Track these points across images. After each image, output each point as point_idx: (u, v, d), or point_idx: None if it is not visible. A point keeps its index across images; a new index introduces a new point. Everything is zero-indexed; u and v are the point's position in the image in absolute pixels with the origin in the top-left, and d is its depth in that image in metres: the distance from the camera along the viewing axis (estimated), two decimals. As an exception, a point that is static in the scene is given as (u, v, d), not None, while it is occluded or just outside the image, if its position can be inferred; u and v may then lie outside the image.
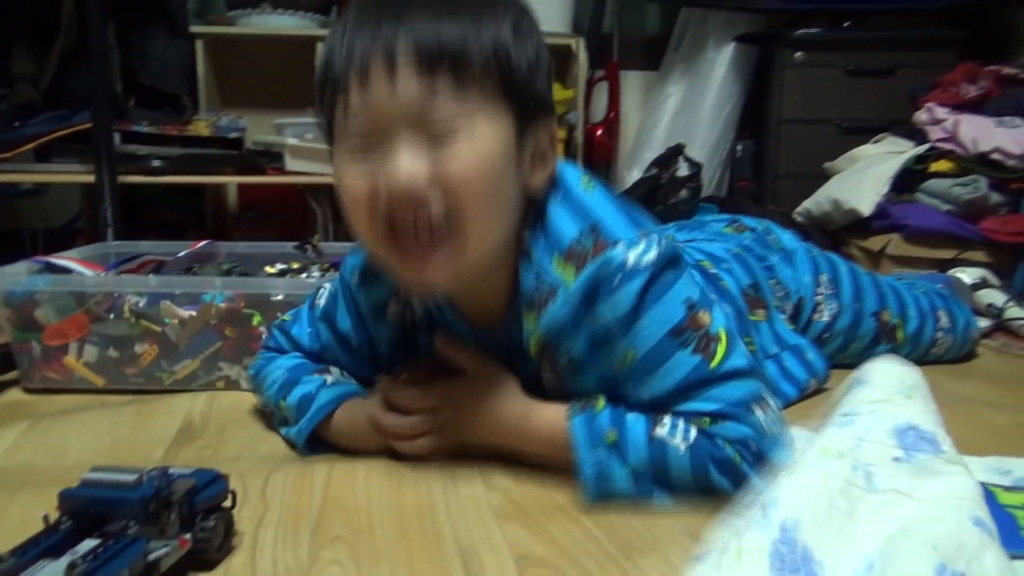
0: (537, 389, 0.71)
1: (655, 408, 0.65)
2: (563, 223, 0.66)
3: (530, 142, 0.64)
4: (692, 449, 0.62)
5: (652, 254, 0.63)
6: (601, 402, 0.67)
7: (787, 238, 1.04)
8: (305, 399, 0.75)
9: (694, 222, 1.11)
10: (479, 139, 0.60)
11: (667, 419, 0.64)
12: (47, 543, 0.48)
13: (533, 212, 0.67)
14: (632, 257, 0.63)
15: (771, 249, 1.00)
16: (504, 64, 0.61)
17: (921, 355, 1.08)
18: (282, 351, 0.83)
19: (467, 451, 0.72)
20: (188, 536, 0.52)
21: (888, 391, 0.61)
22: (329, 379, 0.78)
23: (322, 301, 0.82)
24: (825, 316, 1.01)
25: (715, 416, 0.63)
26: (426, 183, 0.59)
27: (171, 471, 0.54)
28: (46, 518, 0.51)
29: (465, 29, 0.59)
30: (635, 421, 0.64)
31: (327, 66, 0.62)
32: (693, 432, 0.63)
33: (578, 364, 0.69)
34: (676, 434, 0.63)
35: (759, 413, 0.63)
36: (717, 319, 0.66)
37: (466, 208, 0.60)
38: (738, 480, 0.62)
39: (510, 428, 0.69)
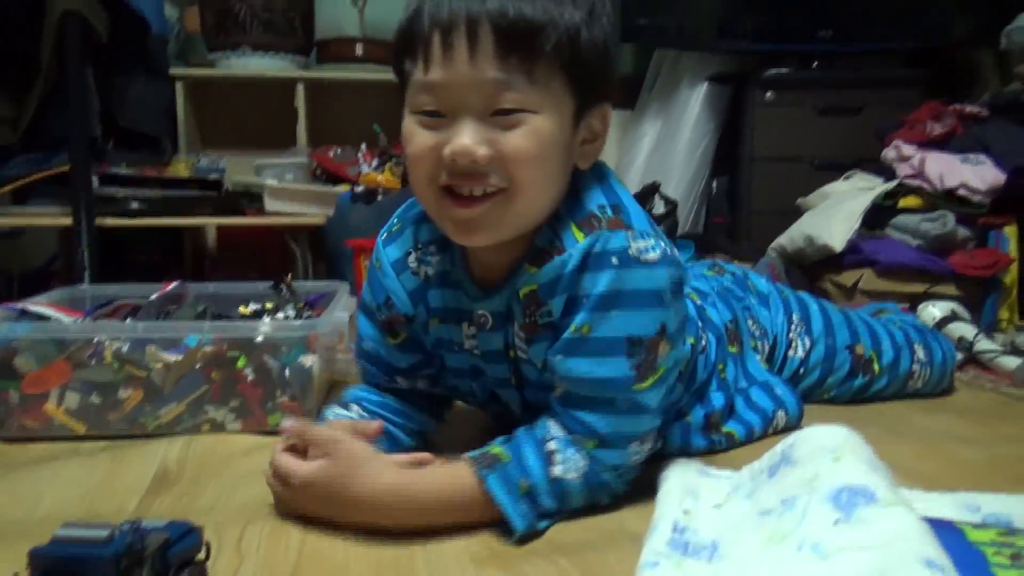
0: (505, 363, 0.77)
1: (564, 395, 0.70)
2: (592, 195, 0.71)
3: (586, 124, 0.69)
4: (584, 478, 0.69)
5: (654, 255, 0.67)
6: (498, 450, 0.69)
7: (761, 283, 1.09)
8: None
9: None
10: (540, 124, 0.64)
11: (559, 452, 0.68)
12: None
13: (572, 186, 0.71)
14: (635, 247, 0.67)
15: (749, 292, 1.05)
16: (576, 48, 0.64)
17: (899, 388, 1.11)
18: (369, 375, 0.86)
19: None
20: None
21: (817, 464, 0.64)
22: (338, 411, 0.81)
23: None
24: (799, 352, 1.04)
25: (602, 441, 0.69)
26: (487, 160, 0.64)
27: (143, 525, 0.53)
28: None
29: (548, 10, 0.62)
30: (534, 461, 0.68)
31: (411, 24, 0.65)
32: (582, 462, 0.68)
33: (550, 325, 0.71)
34: (570, 468, 0.68)
35: (635, 446, 0.71)
36: (669, 357, 0.70)
37: (520, 183, 0.65)
38: (615, 497, 0.72)
39: (391, 501, 0.66)
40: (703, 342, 0.88)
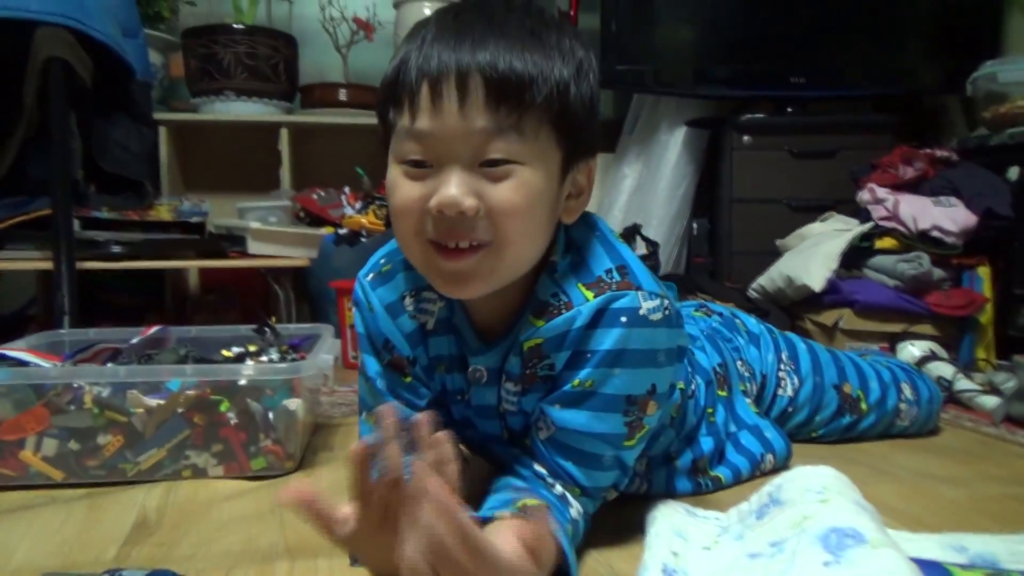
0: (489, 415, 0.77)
1: (551, 440, 0.70)
2: (598, 258, 0.71)
3: (571, 178, 0.69)
4: (584, 522, 0.71)
5: (658, 316, 0.68)
6: (532, 501, 0.66)
7: (751, 323, 1.10)
8: None
9: None
10: (528, 176, 0.64)
11: (568, 496, 0.69)
12: None
13: (567, 239, 0.72)
14: (645, 308, 0.68)
15: (738, 332, 1.06)
16: (564, 103, 0.64)
17: (887, 427, 1.12)
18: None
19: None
20: None
21: (804, 505, 0.65)
22: None
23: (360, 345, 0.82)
24: (788, 391, 1.05)
25: (584, 491, 0.71)
26: (474, 212, 0.63)
27: (123, 574, 0.52)
28: None
29: (538, 64, 0.63)
30: (560, 506, 0.68)
31: (398, 74, 0.65)
32: (581, 508, 0.70)
33: (549, 377, 0.71)
34: (576, 512, 0.70)
35: (603, 496, 0.74)
36: (653, 418, 0.72)
37: (507, 236, 0.65)
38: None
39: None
40: (692, 387, 0.89)
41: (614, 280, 0.69)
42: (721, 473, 0.90)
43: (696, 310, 1.10)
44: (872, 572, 0.55)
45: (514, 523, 0.58)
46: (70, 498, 0.89)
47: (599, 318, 0.67)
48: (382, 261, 0.80)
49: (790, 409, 1.06)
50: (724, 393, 0.95)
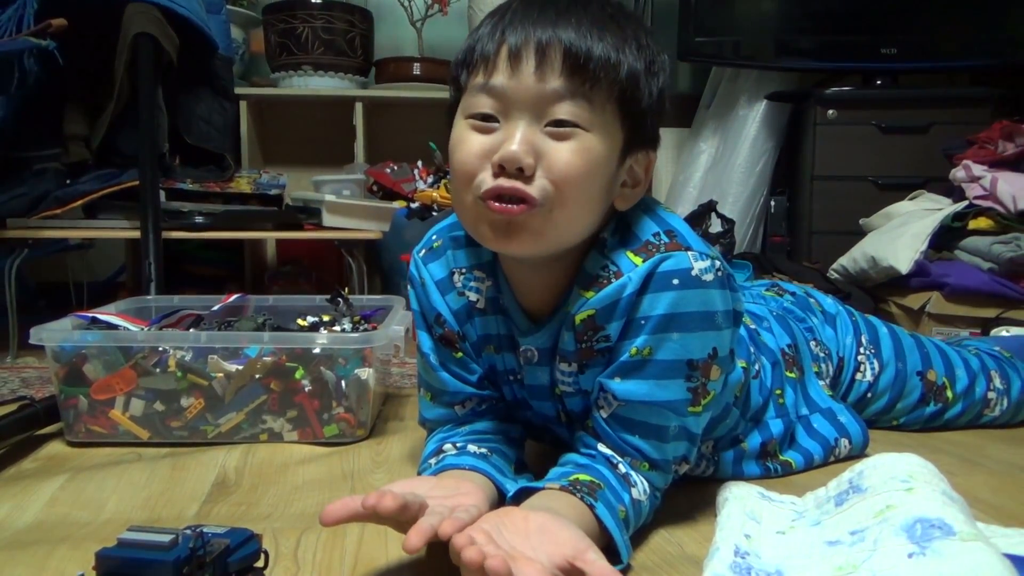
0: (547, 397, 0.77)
1: (614, 417, 0.69)
2: (644, 225, 0.71)
3: (629, 165, 0.69)
4: (649, 500, 0.69)
5: (710, 276, 0.67)
6: (586, 477, 0.66)
7: (827, 303, 1.05)
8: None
9: None
10: (590, 143, 0.65)
11: (630, 475, 0.68)
12: None
13: (616, 220, 0.71)
14: (696, 268, 0.66)
15: (812, 311, 1.02)
16: (630, 91, 0.66)
17: (974, 417, 1.06)
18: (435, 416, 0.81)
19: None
20: None
21: (887, 494, 0.63)
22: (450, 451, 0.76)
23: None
24: (868, 376, 1.01)
25: (652, 464, 0.70)
26: (533, 170, 0.64)
27: (206, 531, 0.54)
28: None
29: (612, 50, 0.64)
30: (621, 489, 0.67)
31: (480, 40, 0.67)
32: (647, 487, 0.69)
33: (606, 350, 0.70)
34: (641, 491, 0.68)
35: (675, 467, 0.72)
36: (718, 381, 0.71)
37: (563, 196, 0.64)
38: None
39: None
40: (756, 367, 0.86)
41: (662, 242, 0.68)
42: (791, 458, 0.87)
43: (767, 289, 1.07)
44: (960, 566, 0.52)
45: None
46: (155, 456, 0.93)
47: (649, 282, 0.67)
48: (434, 237, 0.80)
49: (869, 395, 1.01)
50: (794, 375, 0.91)
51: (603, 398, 0.70)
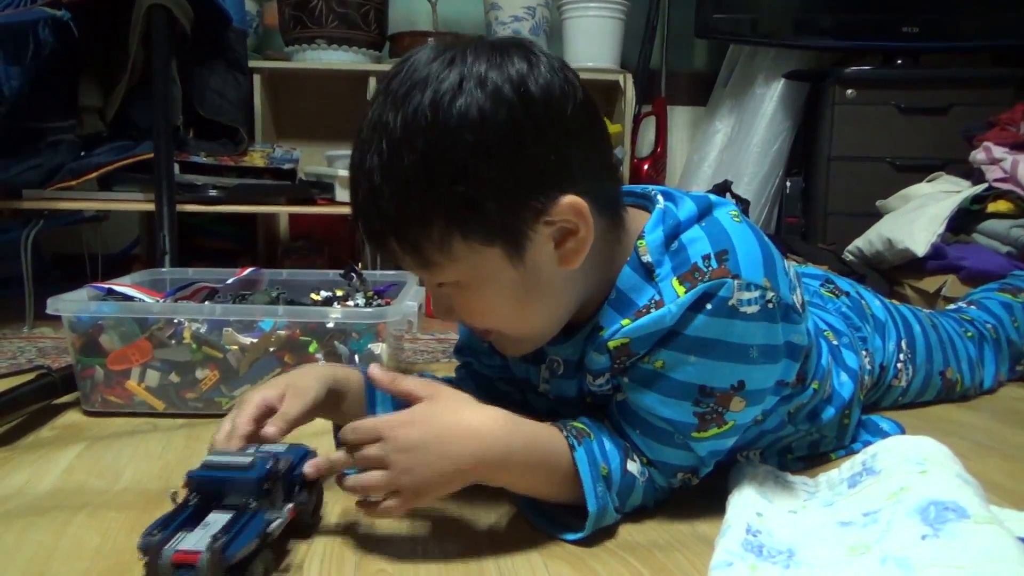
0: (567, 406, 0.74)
1: (623, 404, 0.68)
2: (699, 242, 0.65)
3: (538, 241, 0.61)
4: (646, 484, 0.68)
5: (753, 308, 0.62)
6: (583, 427, 0.66)
7: (876, 305, 1.01)
8: None
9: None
10: (474, 286, 0.63)
11: (631, 451, 0.68)
12: (182, 517, 0.55)
13: (666, 229, 0.66)
14: (736, 299, 0.62)
15: (866, 319, 0.98)
16: (465, 215, 0.58)
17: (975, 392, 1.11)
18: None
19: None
20: (292, 506, 0.59)
21: (902, 476, 0.62)
22: None
23: None
24: (903, 382, 1.01)
25: (651, 462, 0.68)
26: (454, 321, 0.68)
27: (276, 451, 0.60)
28: (174, 496, 0.57)
29: (422, 202, 0.58)
30: (613, 452, 0.66)
31: None
32: (646, 471, 0.68)
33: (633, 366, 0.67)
34: (637, 469, 0.67)
35: (681, 476, 0.69)
36: (744, 413, 0.66)
37: (500, 328, 0.67)
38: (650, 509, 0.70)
39: (500, 434, 0.61)
40: (827, 387, 0.80)
41: (711, 268, 0.63)
42: (836, 454, 0.85)
43: (822, 286, 1.01)
44: (974, 549, 0.52)
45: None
46: (170, 427, 0.94)
47: (690, 304, 0.63)
48: None
49: (900, 398, 1.03)
50: (862, 396, 0.88)
51: (621, 387, 0.69)
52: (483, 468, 0.60)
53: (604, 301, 0.68)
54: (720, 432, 0.66)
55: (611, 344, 0.66)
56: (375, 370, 0.63)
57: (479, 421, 0.61)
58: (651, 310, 0.64)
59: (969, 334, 1.11)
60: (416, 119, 0.56)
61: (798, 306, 0.68)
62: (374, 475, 0.58)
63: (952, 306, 1.27)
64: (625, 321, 0.65)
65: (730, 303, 0.62)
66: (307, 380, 0.69)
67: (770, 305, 0.63)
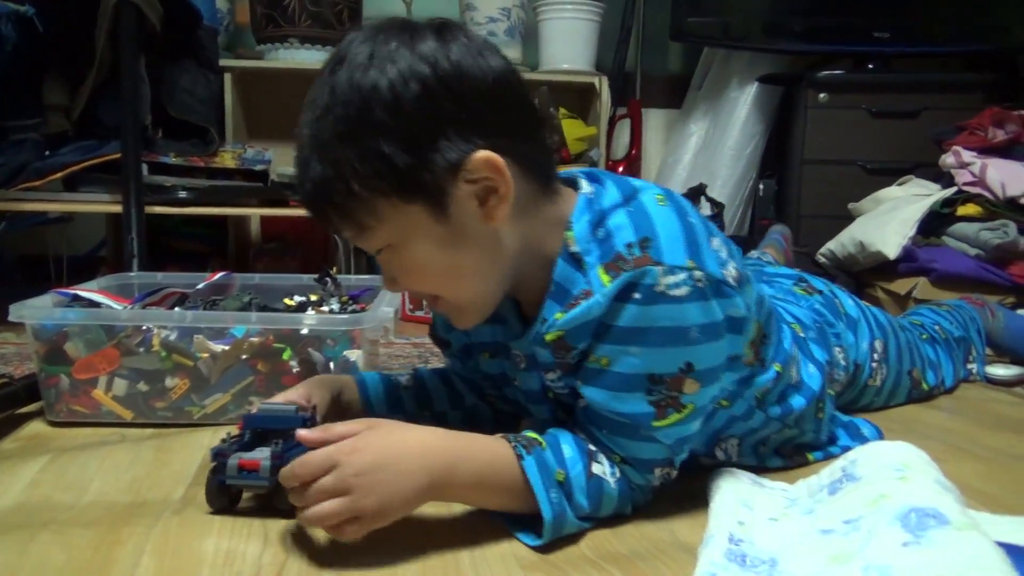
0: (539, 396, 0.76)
1: (587, 410, 0.68)
2: (623, 231, 0.65)
3: (460, 198, 0.63)
4: (619, 484, 0.68)
5: (682, 290, 0.63)
6: (535, 436, 0.67)
7: (849, 304, 1.02)
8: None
9: (758, 271, 1.06)
10: (406, 246, 0.66)
11: (597, 454, 0.68)
12: (239, 444, 0.69)
13: (594, 219, 0.67)
14: (662, 284, 0.63)
15: (839, 316, 0.98)
16: (380, 170, 0.62)
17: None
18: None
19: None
20: None
21: (881, 483, 0.62)
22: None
23: None
24: (877, 381, 1.02)
25: (625, 460, 0.68)
26: (398, 291, 0.72)
27: (307, 405, 0.74)
28: (229, 435, 0.71)
29: (341, 163, 0.62)
30: (573, 457, 0.66)
31: None
32: (617, 470, 0.68)
33: (579, 356, 0.68)
34: (607, 472, 0.67)
35: (659, 471, 0.69)
36: (699, 396, 0.67)
37: (440, 291, 0.70)
38: (636, 508, 0.70)
39: (442, 454, 0.63)
40: (795, 374, 0.81)
41: (634, 256, 0.64)
42: (814, 456, 0.85)
43: (796, 284, 1.02)
44: (955, 556, 0.52)
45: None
46: (139, 437, 0.91)
47: (619, 299, 0.64)
48: None
49: (876, 398, 1.04)
50: (831, 391, 0.88)
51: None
52: (434, 481, 0.62)
53: (547, 295, 0.69)
54: (681, 418, 0.66)
55: (548, 337, 0.68)
56: (303, 434, 0.62)
57: (422, 437, 0.64)
58: (580, 301, 0.65)
59: (924, 336, 1.14)
60: (335, 91, 0.62)
61: (731, 280, 0.67)
62: (333, 503, 0.59)
63: (902, 314, 1.30)
64: (558, 314, 0.67)
65: (657, 289, 0.63)
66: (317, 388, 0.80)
67: (699, 284, 0.64)
